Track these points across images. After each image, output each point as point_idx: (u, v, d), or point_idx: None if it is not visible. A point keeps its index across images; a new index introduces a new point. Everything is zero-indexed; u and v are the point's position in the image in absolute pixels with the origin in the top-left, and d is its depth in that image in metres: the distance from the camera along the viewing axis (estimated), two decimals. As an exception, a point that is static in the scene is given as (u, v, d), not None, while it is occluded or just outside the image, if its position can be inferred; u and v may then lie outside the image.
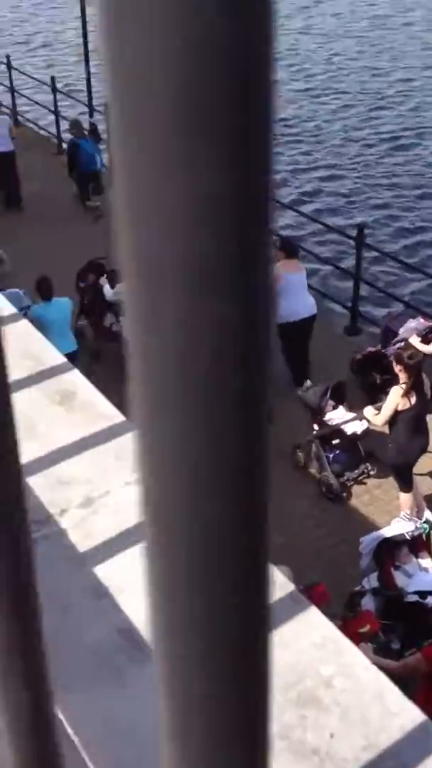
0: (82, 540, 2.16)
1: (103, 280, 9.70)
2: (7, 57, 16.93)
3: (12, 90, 16.78)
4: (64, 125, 14.93)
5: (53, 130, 15.50)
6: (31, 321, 8.34)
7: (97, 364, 9.20)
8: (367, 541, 6.26)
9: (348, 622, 5.50)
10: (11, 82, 16.78)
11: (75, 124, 13.19)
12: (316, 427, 8.02)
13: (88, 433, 2.47)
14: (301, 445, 7.94)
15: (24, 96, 17.03)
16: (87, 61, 13.77)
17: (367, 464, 7.94)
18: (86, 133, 13.03)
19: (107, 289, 9.55)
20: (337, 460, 7.91)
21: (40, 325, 8.42)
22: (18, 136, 13.88)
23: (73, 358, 8.59)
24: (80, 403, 2.58)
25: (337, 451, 7.95)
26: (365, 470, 7.93)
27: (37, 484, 2.30)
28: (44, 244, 11.12)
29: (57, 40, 26.25)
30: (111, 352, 9.42)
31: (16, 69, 16.90)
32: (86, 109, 14.44)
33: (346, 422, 7.94)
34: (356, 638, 5.07)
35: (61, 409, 2.56)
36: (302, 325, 8.83)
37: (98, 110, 14.33)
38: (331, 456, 7.89)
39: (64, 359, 2.78)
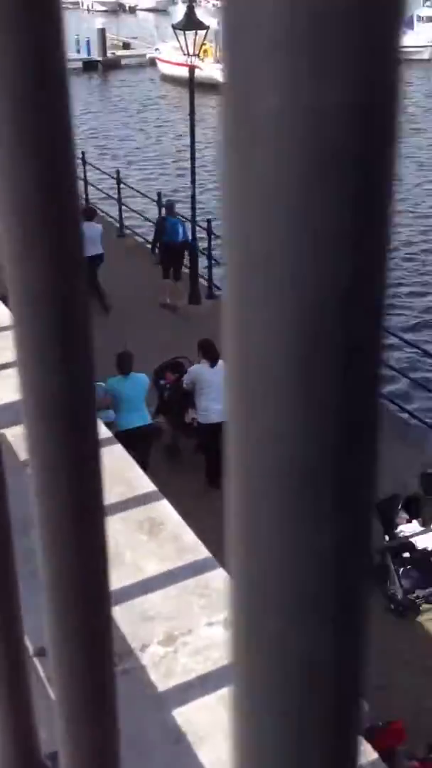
0: (162, 679, 2.15)
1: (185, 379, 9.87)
2: (117, 172, 17.93)
3: (120, 202, 17.65)
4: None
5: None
6: (106, 394, 8.71)
7: (175, 461, 9.70)
8: None
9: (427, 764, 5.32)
10: (119, 195, 17.67)
11: (168, 206, 14.62)
12: (386, 538, 7.87)
13: (174, 567, 2.48)
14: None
15: (129, 208, 17.89)
16: (193, 180, 14.36)
17: None
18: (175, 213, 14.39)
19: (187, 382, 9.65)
20: (408, 575, 7.67)
21: (114, 398, 8.80)
22: (123, 246, 14.66)
23: (146, 431, 9.02)
24: (168, 534, 2.60)
25: (408, 566, 7.72)
26: None
27: (120, 615, 2.31)
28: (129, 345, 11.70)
29: (164, 154, 27.69)
30: (188, 448, 9.81)
31: (124, 183, 17.81)
32: (189, 224, 14.99)
33: (418, 535, 7.79)
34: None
35: (149, 539, 2.59)
36: None
37: (200, 225, 14.86)
38: (401, 570, 7.68)
39: (155, 488, 2.82)
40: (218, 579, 2.45)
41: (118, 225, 17.47)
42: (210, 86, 38.25)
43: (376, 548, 7.55)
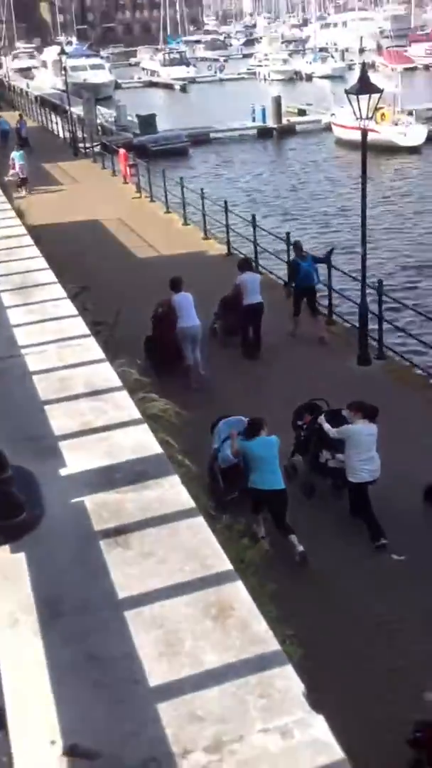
0: (200, 793, 1.88)
1: (322, 419, 10.16)
2: (287, 234, 18.01)
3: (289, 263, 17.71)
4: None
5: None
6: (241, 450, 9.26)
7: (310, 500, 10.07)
8: None
9: None
10: (288, 256, 17.75)
11: (296, 246, 16.09)
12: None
13: (237, 659, 2.21)
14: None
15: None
16: (364, 241, 14.16)
17: None
18: (305, 254, 15.70)
19: (328, 427, 9.96)
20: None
21: (247, 457, 9.27)
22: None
23: (283, 495, 9.23)
24: (235, 621, 2.34)
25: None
26: None
27: (166, 712, 2.07)
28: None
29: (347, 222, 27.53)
30: (323, 487, 10.13)
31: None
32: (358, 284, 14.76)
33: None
34: None
35: (214, 626, 2.34)
36: None
37: (370, 286, 14.58)
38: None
39: (230, 567, 2.57)
40: (285, 677, 2.16)
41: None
42: (387, 149, 38.17)
43: None
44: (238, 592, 2.50)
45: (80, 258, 18.01)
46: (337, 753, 1.94)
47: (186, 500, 2.87)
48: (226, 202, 21.66)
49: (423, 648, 7.62)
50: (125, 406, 3.31)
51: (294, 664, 2.24)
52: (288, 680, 2.16)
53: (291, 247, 16.13)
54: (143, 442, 3.07)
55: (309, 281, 15.38)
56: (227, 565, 2.61)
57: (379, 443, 9.51)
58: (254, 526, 9.11)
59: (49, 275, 4.66)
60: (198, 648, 2.27)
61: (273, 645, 2.27)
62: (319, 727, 2.01)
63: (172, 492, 2.89)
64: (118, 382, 3.44)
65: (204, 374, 13.71)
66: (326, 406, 10.51)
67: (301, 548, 9.03)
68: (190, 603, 2.43)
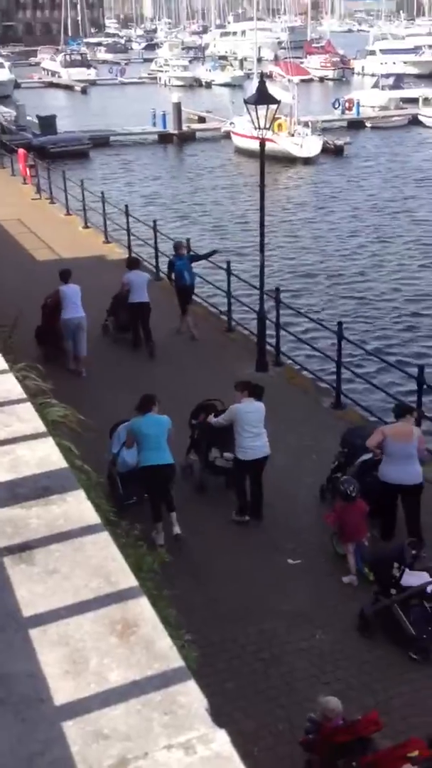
0: None
1: (211, 417, 10.49)
2: (187, 240, 18.12)
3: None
4: (235, 306, 15.86)
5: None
6: (132, 433, 9.32)
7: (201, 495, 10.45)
8: None
9: (398, 744, 5.88)
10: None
11: (175, 245, 16.50)
12: (393, 591, 8.07)
13: (141, 677, 2.23)
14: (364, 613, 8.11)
15: (205, 280, 18.01)
16: (262, 249, 14.40)
17: None
18: (182, 253, 16.09)
19: (215, 420, 10.30)
20: (417, 621, 7.92)
21: (137, 436, 9.35)
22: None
23: (169, 471, 9.47)
24: (139, 638, 2.36)
25: (417, 611, 7.95)
26: None
27: (72, 731, 2.07)
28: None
29: (243, 228, 27.96)
30: (214, 485, 10.50)
31: (195, 253, 17.98)
32: (257, 293, 14.98)
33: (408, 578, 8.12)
34: (403, 762, 5.64)
35: (119, 643, 2.35)
36: (407, 491, 9.28)
37: (268, 294, 14.81)
38: (412, 617, 7.93)
39: (135, 583, 2.59)
40: (188, 693, 2.19)
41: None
42: (284, 159, 38.84)
43: (377, 606, 8.05)
44: (143, 608, 2.51)
45: None
46: (238, 766, 1.98)
47: (91, 516, 2.87)
48: (126, 207, 21.64)
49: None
50: (29, 418, 3.28)
51: (192, 670, 2.28)
52: (191, 696, 2.19)
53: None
54: (48, 456, 3.05)
55: (182, 280, 15.89)
56: (132, 582, 2.62)
57: (266, 423, 9.91)
58: (153, 534, 9.19)
59: None
60: (103, 666, 2.28)
61: (176, 661, 2.30)
62: (220, 741, 2.05)
63: (77, 507, 2.88)
64: (21, 394, 3.41)
65: (81, 361, 14.55)
66: (221, 405, 10.76)
67: (177, 530, 9.33)
68: (95, 620, 2.43)
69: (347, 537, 9.07)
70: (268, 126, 13.81)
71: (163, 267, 19.25)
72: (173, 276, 16.08)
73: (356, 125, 50.88)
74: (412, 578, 8.01)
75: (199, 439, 10.75)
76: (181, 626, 5.38)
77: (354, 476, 9.51)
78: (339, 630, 8.12)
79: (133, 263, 16.36)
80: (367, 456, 9.74)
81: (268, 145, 16.41)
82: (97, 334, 15.71)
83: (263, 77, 15.94)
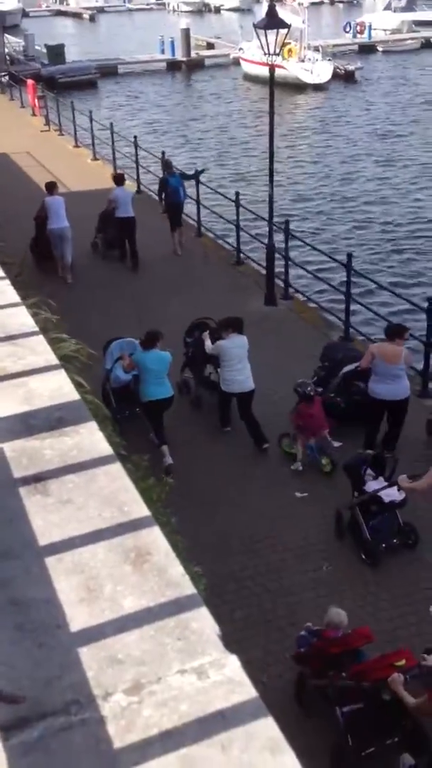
0: (121, 734, 1.95)
1: (205, 335, 10.76)
2: (196, 171, 17.88)
3: (198, 203, 17.64)
4: (244, 237, 15.73)
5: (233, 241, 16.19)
6: (135, 364, 9.73)
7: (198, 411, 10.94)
8: None
9: (386, 654, 6.19)
10: (197, 194, 17.66)
11: (166, 163, 17.04)
12: (355, 494, 8.59)
13: (154, 603, 2.27)
14: (342, 513, 8.61)
15: (207, 208, 17.84)
16: (271, 180, 14.16)
17: (408, 534, 8.40)
18: (173, 171, 16.61)
19: (207, 344, 10.57)
20: (375, 527, 8.37)
21: (140, 369, 9.78)
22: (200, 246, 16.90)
23: (169, 402, 9.96)
24: (152, 566, 2.40)
25: (376, 519, 8.42)
26: (404, 540, 8.40)
27: (88, 656, 2.12)
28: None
29: (247, 154, 27.59)
30: (209, 401, 10.92)
31: (203, 183, 17.79)
32: (266, 224, 14.82)
33: (383, 490, 8.31)
34: (390, 670, 5.91)
35: (131, 571, 2.39)
36: (395, 406, 9.66)
37: (276, 225, 14.64)
38: (371, 524, 8.38)
39: (148, 513, 2.62)
40: (200, 619, 2.23)
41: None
42: (293, 86, 38.03)
43: (347, 504, 8.55)
44: (155, 537, 2.55)
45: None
46: (250, 691, 2.03)
47: (104, 447, 2.89)
48: (135, 138, 21.31)
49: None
50: (42, 351, 3.28)
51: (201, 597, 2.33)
52: (203, 622, 2.23)
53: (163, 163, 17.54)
54: (61, 388, 3.06)
55: (176, 197, 16.33)
56: (144, 511, 2.66)
57: (251, 356, 10.29)
58: (151, 435, 9.98)
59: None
60: (117, 593, 2.32)
61: (188, 588, 2.34)
62: (232, 666, 2.10)
63: (90, 439, 2.90)
64: (34, 327, 3.41)
65: (67, 268, 15.61)
66: (214, 323, 11.08)
67: (169, 461, 9.74)
68: (109, 549, 2.46)
69: (310, 433, 9.77)
70: (277, 51, 13.47)
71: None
72: (165, 193, 16.46)
73: (367, 49, 49.61)
74: (375, 484, 8.44)
75: (194, 356, 11.17)
76: (188, 559, 5.47)
77: (338, 388, 10.18)
78: (345, 561, 8.25)
79: (119, 179, 16.74)
80: (349, 367, 10.20)
81: (278, 72, 16.04)
82: (88, 251, 16.61)
83: (273, 1, 15.51)
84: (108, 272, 16.01)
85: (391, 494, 8.30)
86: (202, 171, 18.11)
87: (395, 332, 9.66)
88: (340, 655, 6.33)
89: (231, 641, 2.21)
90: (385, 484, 8.36)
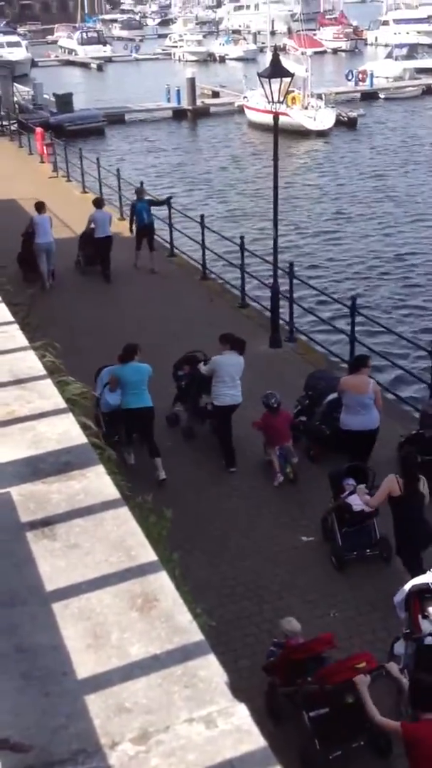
0: (129, 784, 1.91)
1: (201, 365, 11.19)
2: (201, 216, 18.13)
3: (203, 246, 17.86)
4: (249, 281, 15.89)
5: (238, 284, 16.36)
6: (115, 378, 10.20)
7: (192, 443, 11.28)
8: (397, 598, 6.90)
9: (347, 657, 6.51)
10: (203, 239, 17.87)
11: (137, 190, 19.04)
12: (332, 501, 9.02)
13: (161, 651, 2.25)
14: (324, 518, 9.03)
15: (212, 251, 18.05)
16: (276, 223, 14.31)
17: (379, 545, 8.71)
18: (142, 198, 18.44)
19: (203, 367, 11.00)
20: (348, 535, 8.79)
21: (120, 382, 10.17)
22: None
23: (149, 413, 10.29)
24: (159, 612, 2.38)
25: (350, 527, 8.78)
26: (375, 551, 8.73)
27: (95, 704, 2.10)
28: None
29: (250, 195, 27.95)
30: (203, 431, 11.33)
31: (208, 228, 18.01)
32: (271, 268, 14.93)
33: (349, 497, 8.73)
34: (352, 672, 6.15)
35: (138, 617, 2.37)
36: (365, 436, 9.90)
37: (281, 268, 14.74)
38: (344, 531, 8.79)
39: (155, 558, 2.60)
40: (208, 667, 2.21)
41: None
42: (297, 132, 38.57)
43: (325, 510, 9.02)
44: (162, 582, 2.53)
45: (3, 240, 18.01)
46: (259, 740, 2.00)
47: (111, 491, 2.89)
48: (141, 184, 21.55)
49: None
50: (49, 394, 3.30)
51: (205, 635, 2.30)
52: (211, 670, 2.21)
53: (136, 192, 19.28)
54: (68, 431, 3.06)
55: (141, 221, 18.19)
56: (151, 556, 2.64)
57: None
58: (125, 454, 10.30)
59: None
60: (124, 639, 2.30)
61: (196, 635, 2.31)
62: (240, 715, 2.07)
63: (97, 482, 2.90)
64: (42, 371, 3.42)
65: (51, 282, 17.63)
66: (203, 356, 11.57)
67: (162, 476, 10.15)
68: (116, 594, 2.45)
69: (272, 442, 10.42)
70: (281, 99, 13.70)
71: (179, 241, 19.38)
72: (134, 217, 18.26)
73: (370, 97, 50.36)
74: (355, 498, 8.75)
75: (188, 388, 11.52)
76: (192, 599, 5.42)
77: (323, 416, 10.66)
78: (353, 607, 8.15)
79: (98, 203, 18.62)
80: (332, 396, 10.55)
81: (282, 119, 16.30)
82: (71, 268, 18.53)
83: (277, 50, 15.78)
84: (88, 284, 18.08)
85: (362, 504, 8.63)
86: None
87: (359, 363, 10.11)
88: (304, 661, 6.64)
89: (236, 689, 2.18)
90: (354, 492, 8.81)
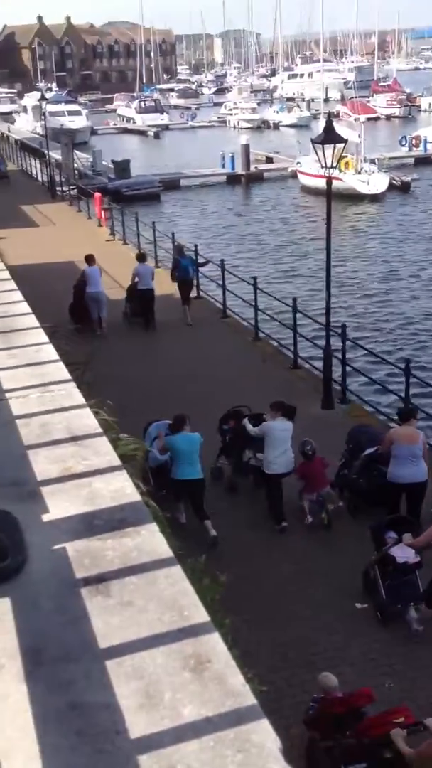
0: None
1: (245, 421, 11.44)
2: (254, 279, 18.38)
3: (255, 308, 18.05)
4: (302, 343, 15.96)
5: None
6: (167, 446, 10.51)
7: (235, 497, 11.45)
8: None
9: (386, 711, 6.47)
10: (255, 301, 18.06)
11: (178, 247, 20.72)
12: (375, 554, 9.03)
13: (214, 714, 2.22)
14: (366, 570, 9.01)
15: (262, 311, 18.20)
16: (328, 286, 14.41)
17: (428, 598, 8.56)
18: (185, 255, 19.94)
19: (250, 427, 11.25)
20: (391, 587, 8.66)
21: (171, 450, 10.40)
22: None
23: (200, 483, 10.49)
24: (212, 674, 2.35)
25: (394, 580, 8.67)
26: (420, 605, 8.59)
27: (147, 764, 2.07)
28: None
29: (302, 256, 28.17)
30: (246, 485, 11.56)
31: (261, 290, 18.21)
32: (323, 329, 14.96)
33: (392, 548, 8.70)
34: (390, 727, 6.13)
35: (191, 678, 2.34)
36: (414, 488, 9.96)
37: (334, 330, 14.78)
38: (387, 584, 8.68)
39: (207, 618, 2.58)
40: (261, 732, 2.17)
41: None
42: (350, 196, 38.97)
43: (367, 563, 8.96)
44: (215, 644, 2.51)
45: (55, 298, 18.57)
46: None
47: (164, 549, 2.89)
48: (196, 247, 21.95)
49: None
50: (104, 452, 3.33)
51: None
52: (264, 735, 2.17)
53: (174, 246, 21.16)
54: (122, 488, 3.09)
55: (187, 275, 19.50)
56: (204, 617, 2.62)
57: (296, 436, 10.89)
58: (176, 514, 10.35)
59: (32, 320, 4.72)
60: (177, 700, 2.27)
61: (249, 699, 2.28)
62: (294, 782, 2.02)
63: (151, 540, 2.90)
64: (97, 428, 3.47)
65: (104, 328, 18.90)
66: (248, 411, 11.85)
67: (213, 533, 10.24)
68: (169, 654, 2.43)
69: (310, 488, 10.79)
70: (334, 164, 13.91)
71: (236, 309, 19.56)
72: (177, 273, 19.43)
73: (423, 162, 50.65)
74: (397, 550, 8.74)
75: (232, 443, 11.72)
76: (242, 663, 5.33)
77: (360, 469, 10.79)
78: (409, 678, 7.93)
79: (141, 257, 20.26)
80: (370, 450, 10.69)
81: (335, 183, 16.52)
82: (119, 320, 19.51)
83: (330, 117, 16.08)
84: (134, 337, 18.92)
85: (405, 555, 8.63)
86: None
87: (409, 414, 10.29)
88: (343, 715, 6.64)
89: (288, 759, 2.14)
90: (399, 543, 8.80)
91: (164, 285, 20.16)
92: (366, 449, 10.86)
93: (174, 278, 19.75)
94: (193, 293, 21.34)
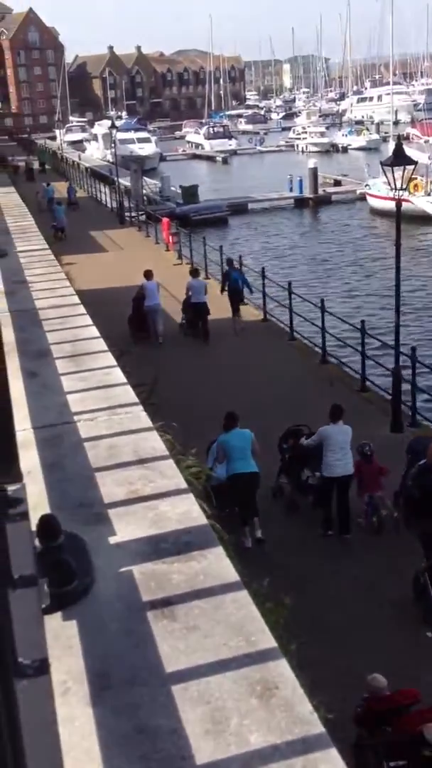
0: None
1: (303, 439, 11.60)
2: (322, 300, 18.36)
3: (323, 330, 17.96)
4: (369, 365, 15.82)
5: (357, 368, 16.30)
6: (221, 446, 10.73)
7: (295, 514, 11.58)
8: None
9: (425, 708, 6.68)
10: (323, 323, 18.01)
11: (229, 261, 22.22)
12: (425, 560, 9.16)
13: (281, 741, 2.18)
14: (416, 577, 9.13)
15: (332, 335, 18.09)
16: (398, 309, 14.27)
17: None
18: (236, 268, 21.45)
19: (306, 441, 11.47)
20: None
21: (225, 448, 10.52)
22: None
23: (255, 478, 10.60)
24: (279, 701, 2.32)
25: None
26: None
27: (212, 796, 2.05)
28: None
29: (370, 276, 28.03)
30: (306, 504, 11.70)
31: (329, 312, 18.14)
32: (392, 353, 14.82)
33: None
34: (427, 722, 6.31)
35: (258, 705, 2.31)
36: None
37: (404, 353, 14.62)
38: None
39: (274, 644, 2.55)
40: (329, 762, 2.13)
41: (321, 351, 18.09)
42: (420, 218, 38.62)
43: (418, 569, 9.03)
44: (282, 670, 2.47)
45: (122, 321, 19.12)
46: None
47: (230, 573, 2.87)
48: (263, 269, 22.06)
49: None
50: (171, 474, 3.34)
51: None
52: (332, 764, 2.13)
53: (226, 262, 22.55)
54: (189, 511, 3.08)
55: (238, 286, 20.66)
56: (272, 642, 2.59)
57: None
58: (241, 537, 10.40)
59: (101, 344, 4.78)
60: (243, 727, 2.25)
61: (317, 728, 2.24)
62: None
63: (217, 564, 2.89)
64: (164, 451, 3.48)
65: (161, 337, 20.24)
66: (307, 430, 11.93)
67: (259, 534, 10.48)
68: (235, 680, 2.41)
69: (363, 489, 11.09)
70: (404, 187, 13.84)
71: (301, 329, 19.50)
72: (228, 284, 20.71)
73: None
74: None
75: (292, 462, 11.84)
76: (309, 691, 5.26)
77: (413, 477, 10.70)
78: None
79: (194, 272, 21.66)
80: (424, 460, 10.62)
81: (405, 205, 16.42)
82: (177, 331, 20.85)
83: (400, 139, 16.03)
84: (192, 349, 19.76)
85: None
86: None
87: None
88: (387, 713, 6.82)
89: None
90: None
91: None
92: (421, 459, 10.82)
93: (224, 290, 20.88)
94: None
